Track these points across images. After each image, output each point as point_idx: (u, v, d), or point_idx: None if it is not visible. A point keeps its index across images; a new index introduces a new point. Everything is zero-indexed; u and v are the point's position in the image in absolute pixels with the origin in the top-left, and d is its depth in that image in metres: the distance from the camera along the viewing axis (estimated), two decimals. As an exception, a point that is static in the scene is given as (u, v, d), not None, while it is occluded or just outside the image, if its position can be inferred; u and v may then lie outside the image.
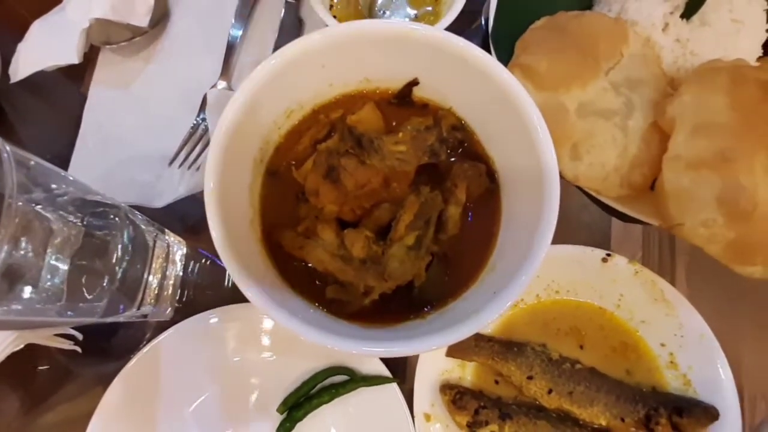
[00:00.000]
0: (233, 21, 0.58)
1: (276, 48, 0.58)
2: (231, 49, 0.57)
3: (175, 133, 0.54)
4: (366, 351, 0.35)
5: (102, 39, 0.54)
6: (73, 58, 0.53)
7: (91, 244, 0.36)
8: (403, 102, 0.49)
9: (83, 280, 0.35)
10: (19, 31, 0.56)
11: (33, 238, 0.32)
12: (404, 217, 0.42)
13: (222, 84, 0.56)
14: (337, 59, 0.45)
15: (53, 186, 0.34)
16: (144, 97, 0.56)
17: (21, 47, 0.54)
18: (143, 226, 0.43)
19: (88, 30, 0.52)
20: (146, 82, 0.56)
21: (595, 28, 0.49)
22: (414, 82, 0.47)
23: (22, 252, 0.30)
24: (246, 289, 0.36)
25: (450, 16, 0.50)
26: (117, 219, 0.39)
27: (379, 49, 0.45)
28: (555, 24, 0.49)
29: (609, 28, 0.50)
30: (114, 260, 0.38)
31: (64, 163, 0.54)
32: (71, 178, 0.37)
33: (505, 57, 0.53)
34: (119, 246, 0.38)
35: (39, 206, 0.33)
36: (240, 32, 0.58)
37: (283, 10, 0.59)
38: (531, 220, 0.40)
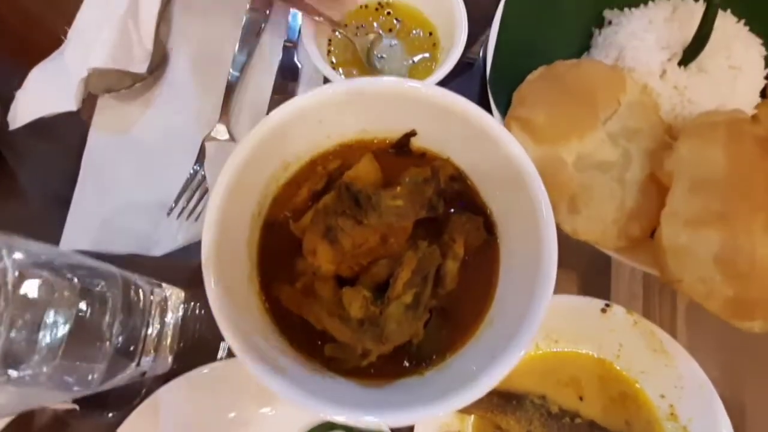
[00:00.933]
0: (231, 64, 0.58)
1: (275, 91, 0.58)
2: (229, 92, 0.57)
3: (173, 178, 0.54)
4: (365, 421, 0.35)
5: (101, 88, 0.54)
6: (72, 105, 0.53)
7: (85, 314, 0.36)
8: (401, 151, 0.49)
9: (80, 349, 0.35)
10: (18, 75, 0.56)
11: (27, 311, 0.32)
12: (402, 275, 0.42)
13: (221, 127, 0.56)
14: (334, 114, 0.45)
15: (46, 259, 0.34)
16: (143, 143, 0.56)
17: (19, 95, 0.54)
18: (140, 284, 0.43)
19: (86, 79, 0.52)
20: (145, 127, 0.56)
21: (592, 77, 0.49)
22: (411, 134, 0.47)
23: (15, 331, 0.30)
24: (243, 357, 0.36)
25: (447, 65, 0.50)
26: (112, 284, 0.39)
27: (375, 104, 0.45)
28: (552, 75, 0.49)
29: (606, 76, 0.50)
30: (110, 323, 0.38)
31: (64, 204, 0.54)
32: (66, 252, 0.37)
33: (503, 102, 0.53)
34: (116, 310, 0.38)
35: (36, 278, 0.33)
36: (238, 74, 0.58)
37: (281, 54, 0.59)
38: (529, 279, 0.40)
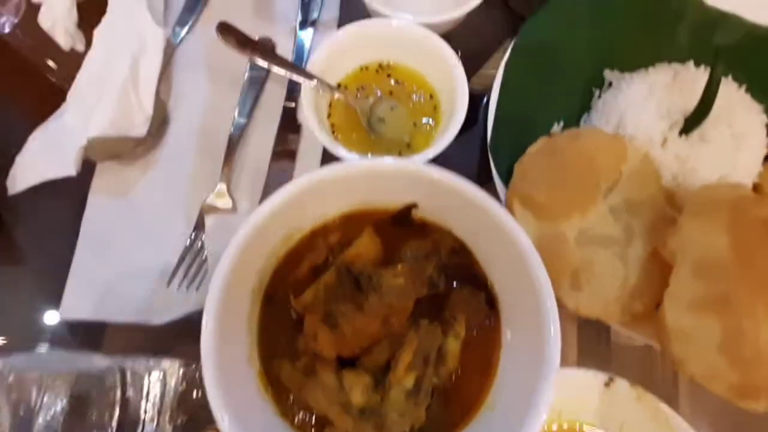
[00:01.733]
0: (232, 124, 0.58)
1: (276, 143, 0.58)
2: (230, 152, 0.57)
3: (173, 243, 0.54)
4: None
5: (100, 155, 0.54)
6: (71, 170, 0.53)
7: (81, 409, 0.35)
8: (401, 222, 0.49)
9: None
10: (17, 137, 0.56)
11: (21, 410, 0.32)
12: (403, 357, 0.42)
13: (221, 189, 0.56)
14: (335, 190, 0.45)
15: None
16: (142, 206, 0.55)
17: (19, 160, 0.54)
18: (137, 369, 0.43)
19: (85, 146, 0.52)
20: (145, 190, 0.56)
21: (592, 148, 0.49)
22: (412, 206, 0.47)
23: None
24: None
25: (447, 136, 0.50)
26: (107, 376, 0.38)
27: (376, 180, 0.45)
28: (553, 149, 0.49)
29: (607, 146, 0.50)
30: (108, 416, 0.38)
31: (64, 268, 0.54)
32: (60, 353, 0.36)
33: (505, 167, 0.53)
34: (113, 402, 0.38)
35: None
36: (239, 134, 0.58)
37: (281, 112, 0.59)
38: (531, 364, 0.40)
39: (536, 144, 0.50)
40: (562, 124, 0.58)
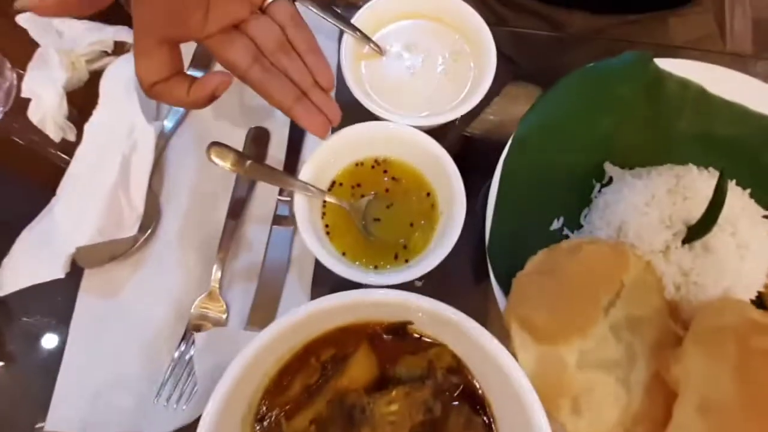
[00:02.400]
0: (224, 222, 0.57)
1: (266, 254, 0.57)
2: (222, 252, 0.55)
3: (163, 348, 0.53)
4: None
5: (89, 262, 0.53)
6: (60, 273, 0.52)
7: None
8: (396, 336, 0.48)
9: None
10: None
11: None
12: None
13: (213, 288, 0.54)
14: (328, 316, 0.44)
15: None
16: (132, 308, 0.54)
17: (6, 263, 0.53)
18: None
19: (73, 254, 0.51)
20: (135, 290, 0.55)
21: (593, 262, 0.47)
22: (408, 322, 0.46)
23: None
24: None
25: (444, 247, 0.49)
26: None
27: (369, 306, 0.44)
28: (552, 265, 0.47)
29: (608, 258, 0.48)
30: None
31: (50, 375, 0.52)
32: None
33: (503, 267, 0.52)
34: None
35: None
36: (231, 232, 0.57)
37: (274, 208, 0.58)
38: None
39: (535, 259, 0.49)
40: (562, 220, 0.57)
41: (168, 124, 0.60)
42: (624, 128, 0.59)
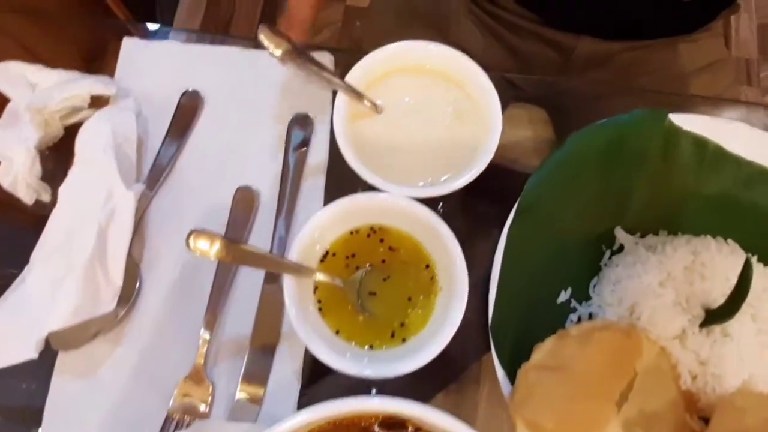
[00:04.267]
0: (210, 289, 0.53)
1: (256, 324, 0.53)
2: (207, 325, 0.52)
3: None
4: None
5: (63, 345, 0.49)
6: (32, 353, 0.48)
7: None
8: (391, 428, 0.45)
9: None
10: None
11: None
12: None
13: (197, 368, 0.51)
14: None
15: None
16: (110, 390, 0.50)
17: (-25, 343, 0.49)
18: None
19: (47, 337, 0.48)
20: (114, 370, 0.51)
21: (604, 355, 0.44)
22: (404, 420, 0.43)
23: None
24: None
25: (445, 333, 0.45)
26: None
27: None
28: (561, 359, 0.44)
29: (620, 346, 0.45)
30: None
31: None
32: None
33: (508, 344, 0.49)
34: None
35: None
36: (218, 293, 0.53)
37: (261, 287, 0.54)
38: None
39: (543, 348, 0.46)
40: (570, 291, 0.53)
41: (149, 184, 0.56)
42: (636, 190, 0.55)
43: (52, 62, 0.58)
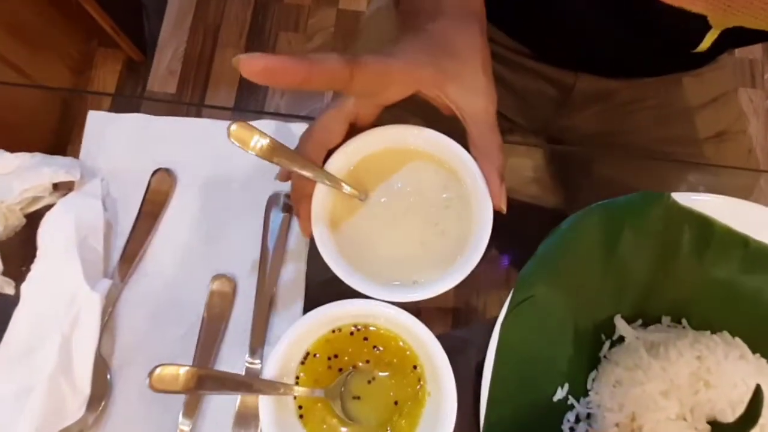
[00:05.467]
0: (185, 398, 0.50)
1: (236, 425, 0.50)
2: (185, 427, 0.49)
3: None
4: None
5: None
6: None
7: None
8: None
9: None
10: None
11: None
12: None
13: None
14: None
15: None
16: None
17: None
18: None
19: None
20: (86, 481, 0.49)
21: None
22: None
23: None
24: None
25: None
26: None
27: None
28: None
29: (620, 466, 0.42)
30: None
31: None
32: None
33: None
34: None
35: None
36: (196, 393, 0.50)
37: (245, 369, 0.52)
38: None
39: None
40: (566, 387, 0.50)
41: (119, 273, 0.53)
42: (637, 276, 0.52)
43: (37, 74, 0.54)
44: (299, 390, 0.46)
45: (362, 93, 0.45)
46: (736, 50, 1.84)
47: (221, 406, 0.51)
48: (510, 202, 0.58)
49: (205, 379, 0.41)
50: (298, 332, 0.46)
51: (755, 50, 1.87)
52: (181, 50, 1.72)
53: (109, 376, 0.51)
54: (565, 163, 0.80)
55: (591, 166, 0.78)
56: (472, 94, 0.47)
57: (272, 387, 0.44)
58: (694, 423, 0.44)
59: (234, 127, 0.41)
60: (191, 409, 0.50)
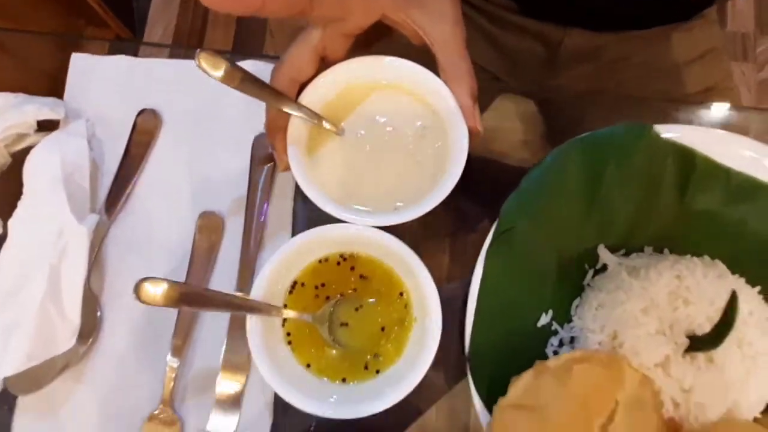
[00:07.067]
0: (176, 320, 0.51)
1: (225, 355, 0.51)
2: (174, 358, 0.50)
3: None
4: None
5: (22, 388, 0.47)
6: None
7: None
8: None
9: None
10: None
11: None
12: None
13: (165, 399, 0.49)
14: None
15: None
16: (75, 428, 0.49)
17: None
18: None
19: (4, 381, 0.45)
20: (77, 409, 0.49)
21: (584, 390, 0.42)
22: None
23: None
24: None
25: (422, 362, 0.44)
26: None
27: None
28: (538, 397, 0.42)
29: (601, 379, 0.43)
30: None
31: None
32: None
33: (486, 372, 0.47)
34: None
35: None
36: (185, 323, 0.51)
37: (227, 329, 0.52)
38: None
39: (519, 384, 0.43)
40: (551, 314, 0.51)
41: (106, 209, 0.53)
42: (621, 207, 0.52)
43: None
44: (287, 313, 0.46)
45: (323, 19, 0.44)
46: (729, 23, 1.85)
47: (209, 348, 0.52)
48: (500, 166, 0.58)
49: (192, 296, 0.41)
50: (285, 256, 0.47)
51: (747, 24, 1.87)
52: (171, 27, 1.71)
53: (99, 313, 0.51)
54: (556, 122, 0.80)
55: (582, 124, 0.79)
56: (438, 20, 0.47)
57: (260, 308, 0.45)
58: (674, 338, 0.45)
59: (202, 53, 0.42)
60: (179, 350, 0.51)
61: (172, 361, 0.50)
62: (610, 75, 0.78)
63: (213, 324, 0.52)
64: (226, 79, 0.42)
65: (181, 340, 0.51)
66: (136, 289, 0.39)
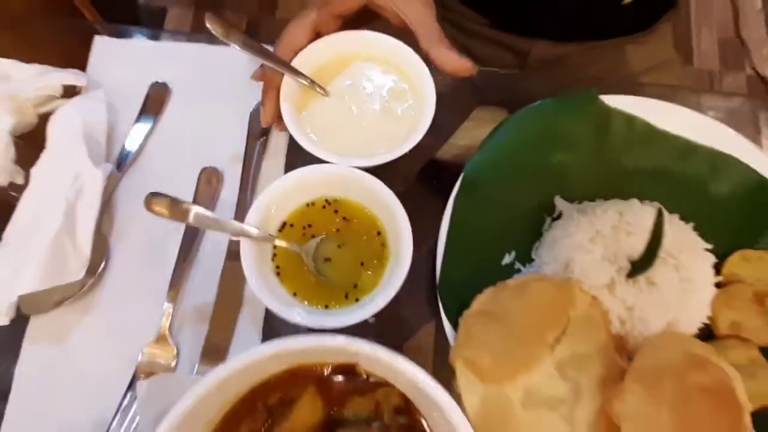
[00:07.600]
0: (175, 261, 0.57)
1: (219, 293, 0.57)
2: (173, 292, 0.55)
3: (110, 397, 0.52)
4: None
5: (34, 308, 0.52)
6: (3, 319, 0.51)
7: None
8: (345, 376, 0.47)
9: None
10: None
11: None
12: None
13: (163, 329, 0.54)
14: (274, 360, 0.44)
15: None
16: (79, 355, 0.53)
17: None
18: None
19: (17, 302, 0.50)
20: (82, 336, 0.54)
21: (539, 302, 0.48)
22: (353, 364, 0.46)
23: None
24: None
25: (390, 289, 0.49)
26: None
27: (312, 352, 0.44)
28: (498, 306, 0.48)
29: (553, 296, 0.49)
30: None
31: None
32: None
33: (454, 303, 0.52)
34: None
35: None
36: (182, 271, 0.57)
37: (228, 243, 0.58)
38: None
39: (481, 297, 0.49)
40: (513, 254, 0.57)
41: (118, 165, 0.60)
42: (573, 163, 0.60)
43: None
44: (279, 241, 0.52)
45: (319, 1, 0.55)
46: (696, 62, 2.00)
47: (205, 287, 0.57)
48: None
49: (194, 213, 0.47)
50: (277, 191, 0.53)
51: (713, 63, 2.01)
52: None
53: (107, 250, 0.57)
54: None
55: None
56: (412, 3, 0.57)
57: (254, 233, 0.50)
58: (617, 263, 0.51)
59: (212, 17, 0.50)
60: (176, 287, 0.56)
61: (170, 300, 0.55)
62: (570, 83, 0.88)
63: (208, 272, 0.58)
64: (232, 41, 0.50)
65: (179, 280, 0.56)
66: (147, 201, 0.45)
